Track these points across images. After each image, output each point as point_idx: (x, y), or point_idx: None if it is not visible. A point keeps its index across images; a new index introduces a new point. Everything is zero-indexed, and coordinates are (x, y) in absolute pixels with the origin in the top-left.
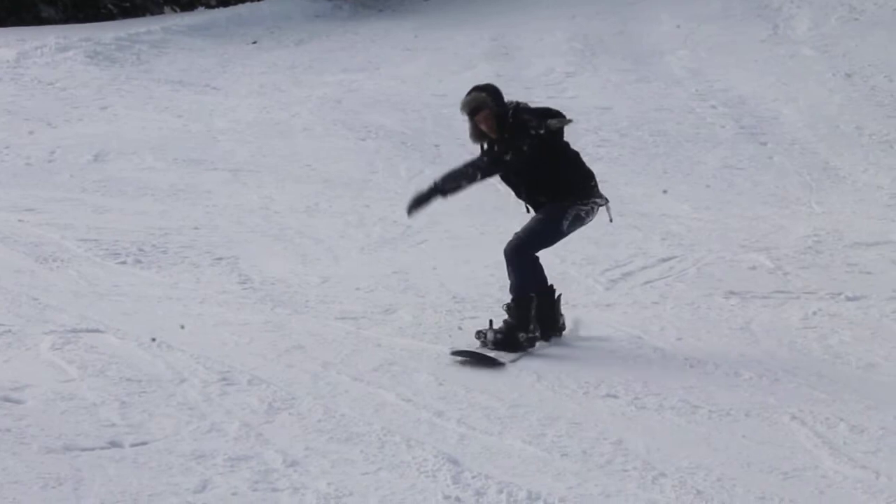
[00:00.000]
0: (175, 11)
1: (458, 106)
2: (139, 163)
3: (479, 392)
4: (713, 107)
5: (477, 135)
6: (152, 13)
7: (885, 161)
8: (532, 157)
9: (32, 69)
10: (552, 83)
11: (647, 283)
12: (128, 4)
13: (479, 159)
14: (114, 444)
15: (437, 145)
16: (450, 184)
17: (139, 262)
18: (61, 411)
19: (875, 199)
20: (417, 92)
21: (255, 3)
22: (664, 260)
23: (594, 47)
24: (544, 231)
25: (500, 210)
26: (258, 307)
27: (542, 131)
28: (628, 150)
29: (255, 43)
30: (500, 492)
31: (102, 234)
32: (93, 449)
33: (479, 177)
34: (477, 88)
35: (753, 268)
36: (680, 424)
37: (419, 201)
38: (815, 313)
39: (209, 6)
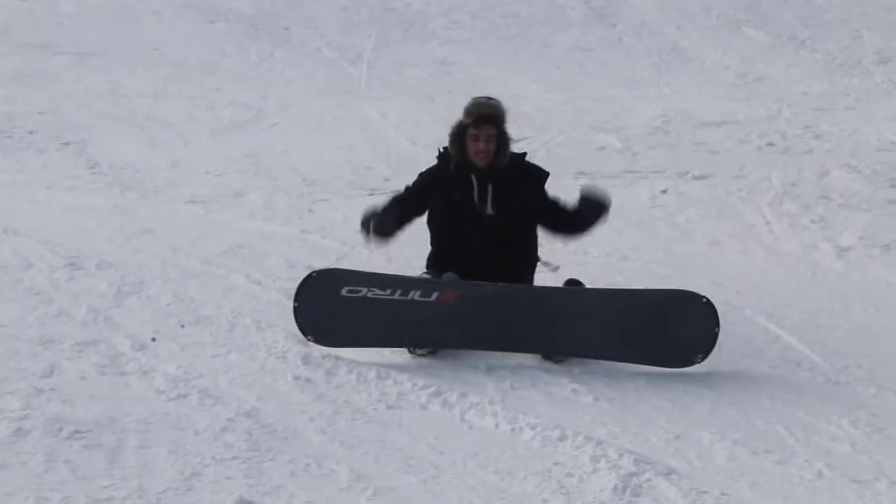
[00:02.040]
0: None
1: (470, 104)
2: None
3: None
4: None
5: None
6: None
7: (733, 42)
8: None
9: None
10: None
11: None
12: None
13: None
14: None
15: (287, 28)
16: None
17: None
18: None
19: (722, 79)
20: None
21: None
22: (515, 141)
23: None
24: None
25: (351, 94)
26: (106, 192)
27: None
28: (479, 33)
29: None
30: (350, 371)
31: None
32: None
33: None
34: (487, 98)
35: (603, 148)
36: None
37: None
38: (662, 192)
39: None
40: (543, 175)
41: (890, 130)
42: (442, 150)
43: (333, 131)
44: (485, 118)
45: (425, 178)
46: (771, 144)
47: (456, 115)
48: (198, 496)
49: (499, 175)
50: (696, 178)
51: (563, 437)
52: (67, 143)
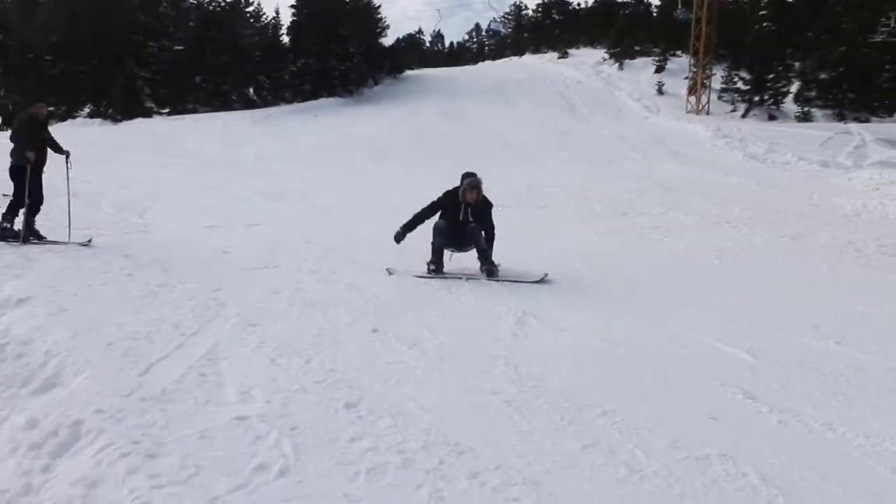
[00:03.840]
0: (286, 103)
1: (468, 180)
2: (273, 162)
3: None
4: (501, 142)
5: (465, 199)
6: (276, 104)
7: (556, 156)
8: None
9: (230, 128)
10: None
11: None
12: (268, 98)
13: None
14: (266, 266)
15: (386, 151)
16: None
17: (272, 200)
18: (245, 254)
19: (551, 170)
20: (390, 134)
21: (315, 101)
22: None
23: None
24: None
25: (406, 177)
26: (317, 214)
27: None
28: (467, 153)
29: (315, 115)
30: (414, 282)
31: (260, 187)
32: (257, 269)
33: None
34: (474, 175)
35: (510, 196)
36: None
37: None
38: (533, 217)
39: (300, 101)
40: (490, 205)
41: (614, 189)
42: (449, 190)
43: (403, 190)
44: (473, 186)
45: (444, 197)
46: (571, 195)
47: (454, 184)
48: (358, 328)
49: (474, 205)
50: (540, 208)
51: (496, 305)
52: (305, 196)
